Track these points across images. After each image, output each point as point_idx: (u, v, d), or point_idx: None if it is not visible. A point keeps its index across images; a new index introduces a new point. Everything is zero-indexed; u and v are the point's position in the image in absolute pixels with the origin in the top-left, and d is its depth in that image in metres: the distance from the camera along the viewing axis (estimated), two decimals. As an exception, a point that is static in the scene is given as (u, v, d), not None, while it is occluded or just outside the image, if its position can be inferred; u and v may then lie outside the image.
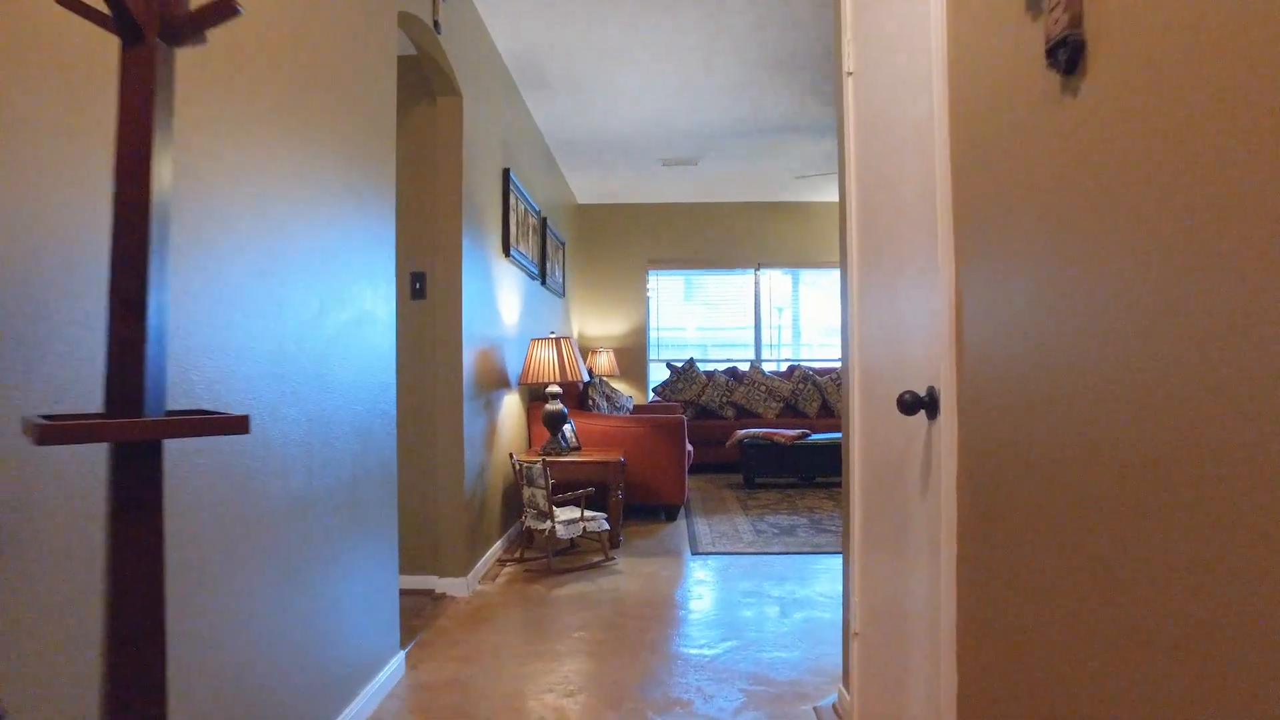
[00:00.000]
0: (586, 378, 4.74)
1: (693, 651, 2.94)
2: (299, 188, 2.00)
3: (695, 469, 7.74)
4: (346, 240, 2.31)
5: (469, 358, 3.81)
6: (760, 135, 6.18)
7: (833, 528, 5.00)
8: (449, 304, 3.67)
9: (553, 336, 4.65)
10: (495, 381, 4.41)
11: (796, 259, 8.75)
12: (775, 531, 4.93)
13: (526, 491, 4.18)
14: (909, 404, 1.56)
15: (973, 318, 1.41)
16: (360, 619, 2.39)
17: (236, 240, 1.70)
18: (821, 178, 7.44)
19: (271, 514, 1.84)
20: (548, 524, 3.99)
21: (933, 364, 1.57)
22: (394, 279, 2.68)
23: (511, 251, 4.73)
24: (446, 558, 3.66)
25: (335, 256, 2.23)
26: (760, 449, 6.62)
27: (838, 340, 8.85)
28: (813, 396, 8.07)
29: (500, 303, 4.55)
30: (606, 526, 4.17)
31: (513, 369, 4.85)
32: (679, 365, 8.18)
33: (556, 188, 6.99)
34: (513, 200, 4.81)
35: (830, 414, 8.05)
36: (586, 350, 8.62)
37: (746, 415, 8.00)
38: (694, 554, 4.40)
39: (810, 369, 8.27)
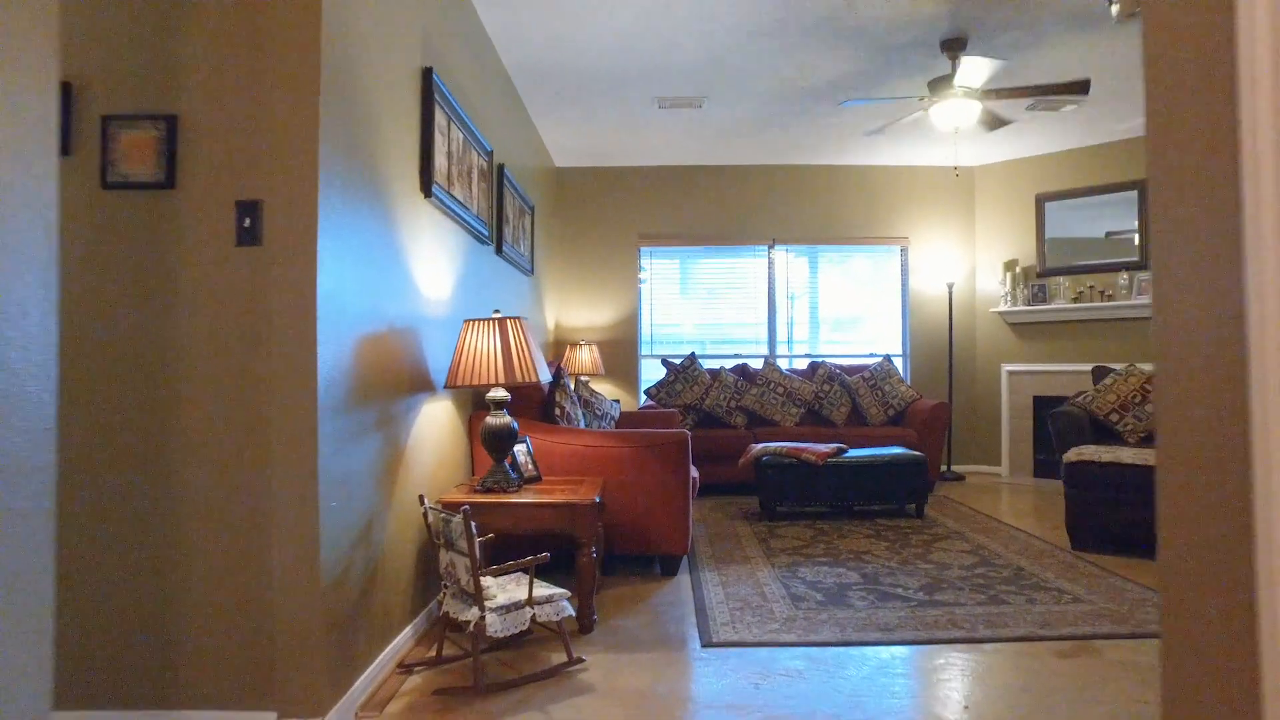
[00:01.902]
0: (547, 377, 3.25)
1: None
2: None
3: (699, 491, 6.25)
4: None
5: (341, 345, 2.31)
6: (787, 59, 4.68)
7: (899, 591, 3.51)
8: (297, 257, 2.17)
9: (496, 317, 3.15)
10: (405, 383, 2.91)
11: (816, 234, 7.26)
12: (819, 598, 3.43)
13: (444, 557, 2.68)
14: None
15: None
16: None
17: None
18: (868, 131, 5.94)
19: None
20: (473, 612, 2.49)
21: None
22: (49, 123, 1.18)
23: (435, 191, 3.23)
24: (290, 683, 2.15)
25: None
26: (783, 470, 5.13)
27: (859, 336, 7.35)
28: (840, 400, 6.59)
29: (414, 265, 3.05)
30: (570, 611, 2.67)
31: (439, 365, 3.35)
32: (677, 362, 6.69)
33: (524, 140, 5.48)
34: (440, 118, 3.30)
35: (862, 421, 6.57)
36: (564, 343, 7.12)
37: (760, 423, 6.51)
38: (705, 645, 2.90)
39: (835, 367, 6.79)
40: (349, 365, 2.38)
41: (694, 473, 4.14)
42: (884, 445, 6.01)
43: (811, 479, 5.12)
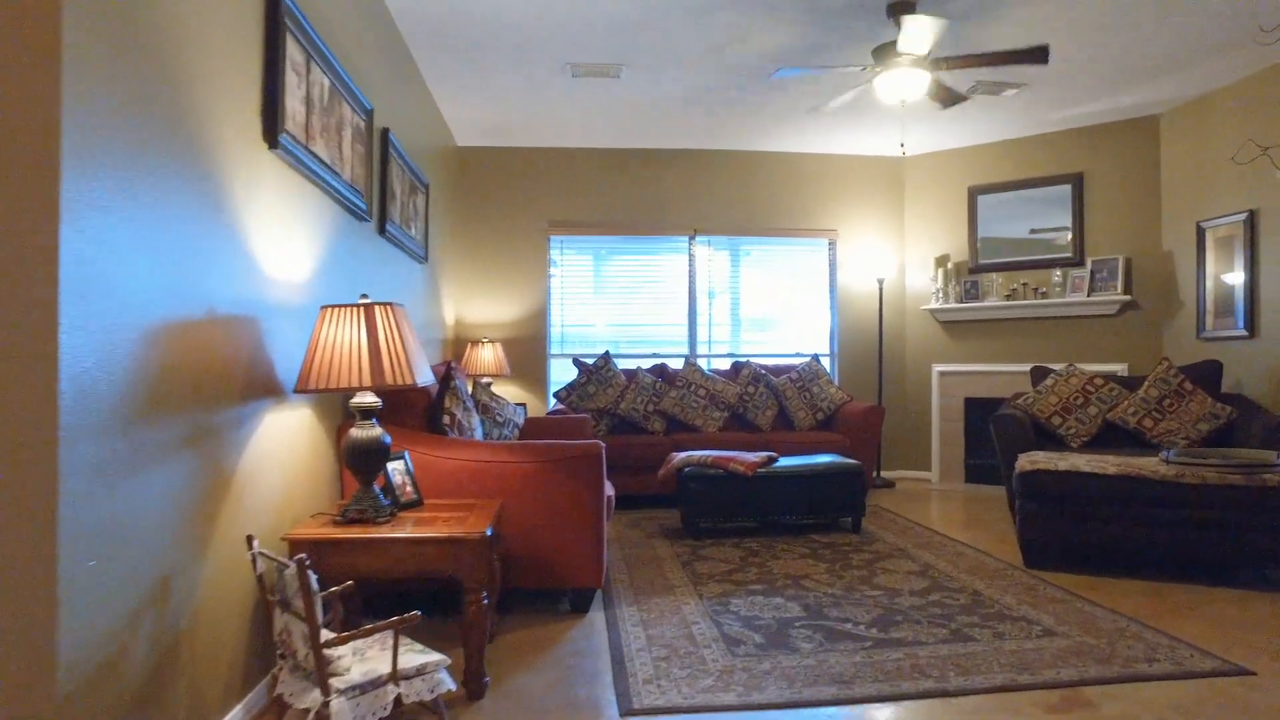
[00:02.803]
0: (427, 379, 2.61)
1: None
2: None
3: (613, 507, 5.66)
4: None
5: (110, 334, 1.62)
6: (715, 20, 4.15)
7: (849, 627, 3.01)
8: (28, 202, 1.48)
9: (363, 302, 2.49)
10: (237, 387, 2.22)
11: (740, 225, 6.78)
12: (759, 640, 2.90)
13: (279, 619, 2.01)
14: None
15: None
16: None
17: None
18: (829, 104, 5.47)
19: None
20: (314, 696, 1.84)
21: None
22: None
23: (285, 142, 2.54)
24: (17, 833, 1.46)
25: None
26: (708, 482, 4.60)
27: (783, 334, 6.92)
28: (766, 403, 6.13)
29: (252, 234, 2.36)
30: (448, 685, 2.04)
31: (291, 364, 2.66)
32: (590, 362, 6.09)
33: (418, 108, 4.78)
34: (294, 51, 2.61)
35: (789, 426, 6.12)
36: (465, 341, 6.42)
37: (680, 428, 5.98)
38: (625, 714, 2.32)
39: (760, 367, 6.33)
40: (128, 362, 1.69)
41: (609, 490, 3.56)
42: (814, 452, 5.58)
43: (739, 491, 4.61)
